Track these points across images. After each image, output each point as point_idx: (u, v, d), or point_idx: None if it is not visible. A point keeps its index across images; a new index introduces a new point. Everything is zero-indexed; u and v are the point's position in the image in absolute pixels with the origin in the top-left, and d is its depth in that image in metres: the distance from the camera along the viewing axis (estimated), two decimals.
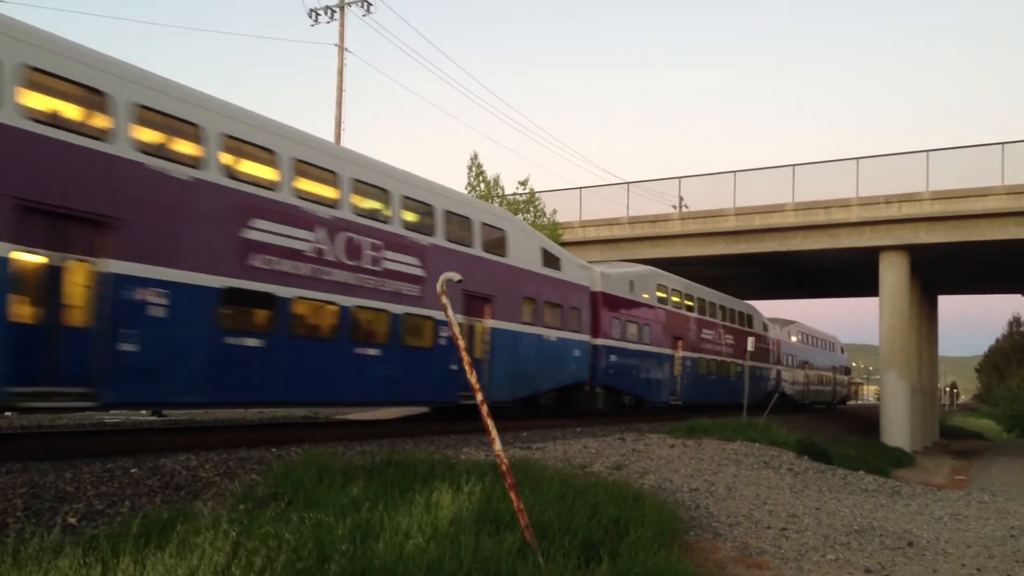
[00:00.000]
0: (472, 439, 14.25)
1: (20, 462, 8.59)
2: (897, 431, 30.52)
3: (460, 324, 16.16)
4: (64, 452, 9.42)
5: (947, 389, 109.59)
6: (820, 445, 20.39)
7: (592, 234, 34.87)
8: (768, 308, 47.66)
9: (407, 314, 14.96)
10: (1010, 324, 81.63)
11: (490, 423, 6.64)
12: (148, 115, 10.70)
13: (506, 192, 29.91)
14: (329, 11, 29.12)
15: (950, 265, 35.77)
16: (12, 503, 6.61)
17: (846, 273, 38.88)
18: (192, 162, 11.21)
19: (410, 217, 15.44)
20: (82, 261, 9.78)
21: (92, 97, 10.15)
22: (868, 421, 40.32)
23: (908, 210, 30.00)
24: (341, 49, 28.76)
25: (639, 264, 27.74)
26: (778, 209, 32.37)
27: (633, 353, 23.99)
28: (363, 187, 14.42)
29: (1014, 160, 28.33)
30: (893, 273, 31.19)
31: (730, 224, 33.08)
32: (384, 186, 14.88)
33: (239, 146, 12.10)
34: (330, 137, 26.84)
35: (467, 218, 17.03)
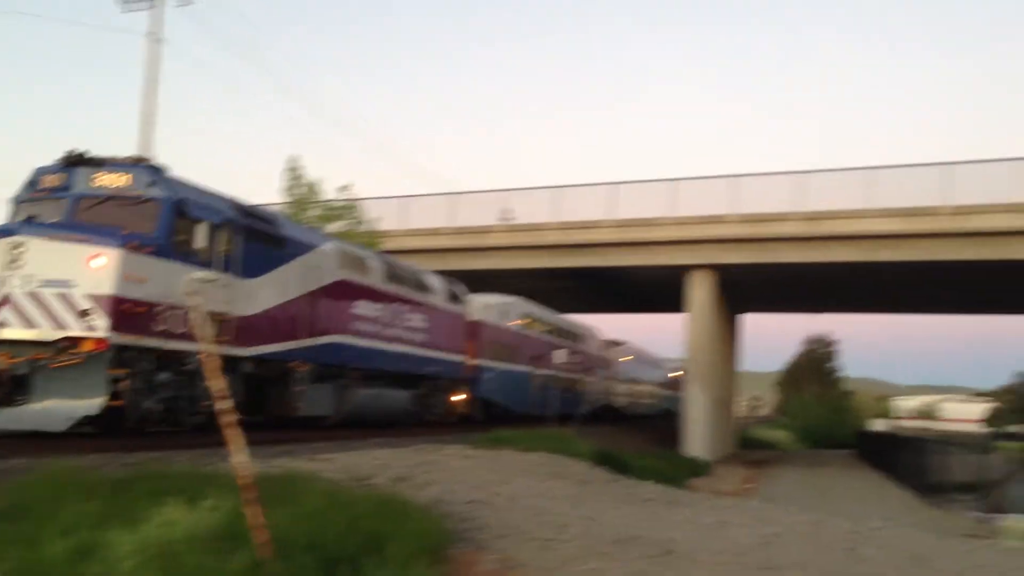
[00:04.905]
0: (261, 451, 13.74)
1: None
2: (697, 442, 31.91)
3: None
4: None
5: (750, 402, 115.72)
6: (620, 456, 20.97)
7: (415, 243, 34.59)
8: (592, 322, 49.46)
9: (561, 376, 32.87)
10: (805, 342, 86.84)
11: (233, 433, 6.36)
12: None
13: (326, 198, 29.33)
14: None
15: (753, 284, 37.79)
16: None
17: (661, 290, 40.34)
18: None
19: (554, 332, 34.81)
20: None
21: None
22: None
23: (717, 231, 31.47)
24: (154, 38, 27.46)
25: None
26: (598, 225, 33.21)
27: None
28: (544, 326, 33.51)
29: (810, 188, 30.25)
30: (701, 291, 32.63)
31: (551, 238, 33.70)
32: (552, 323, 34.42)
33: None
34: (136, 132, 25.60)
35: (570, 331, 37.09)
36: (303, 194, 28.15)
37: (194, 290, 9.14)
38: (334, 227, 28.00)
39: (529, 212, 34.94)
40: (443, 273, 26.28)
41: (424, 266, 33.13)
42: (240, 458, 6.26)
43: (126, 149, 16.78)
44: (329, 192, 29.50)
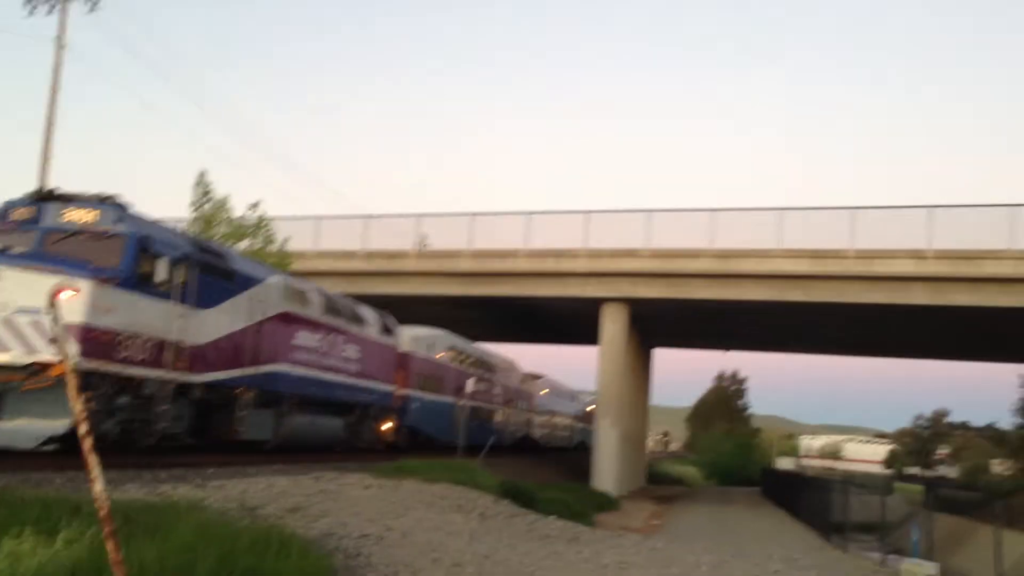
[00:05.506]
0: (145, 475, 12.98)
1: None
2: (606, 476, 31.78)
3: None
4: None
5: (660, 437, 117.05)
6: (527, 489, 20.59)
7: (328, 265, 33.78)
8: (507, 352, 49.74)
9: (484, 407, 35.01)
10: (716, 379, 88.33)
11: (93, 459, 5.80)
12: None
13: (235, 216, 28.41)
14: (50, 1, 26.64)
15: (665, 319, 38.05)
16: None
17: (575, 321, 40.31)
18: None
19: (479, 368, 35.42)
20: None
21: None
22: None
23: (630, 264, 31.57)
24: (60, 44, 26.40)
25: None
26: (512, 254, 32.96)
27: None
28: (468, 358, 34.16)
29: (722, 226, 30.64)
30: (613, 324, 32.65)
31: (465, 265, 33.32)
32: (475, 355, 35.56)
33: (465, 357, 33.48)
34: (38, 136, 24.46)
35: (492, 364, 37.91)
36: (211, 210, 27.22)
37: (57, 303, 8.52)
38: (243, 245, 27.14)
39: (444, 239, 34.58)
40: (355, 297, 25.71)
41: (335, 289, 32.48)
42: (98, 487, 5.70)
43: (28, 156, 16.51)
44: (239, 209, 28.59)
